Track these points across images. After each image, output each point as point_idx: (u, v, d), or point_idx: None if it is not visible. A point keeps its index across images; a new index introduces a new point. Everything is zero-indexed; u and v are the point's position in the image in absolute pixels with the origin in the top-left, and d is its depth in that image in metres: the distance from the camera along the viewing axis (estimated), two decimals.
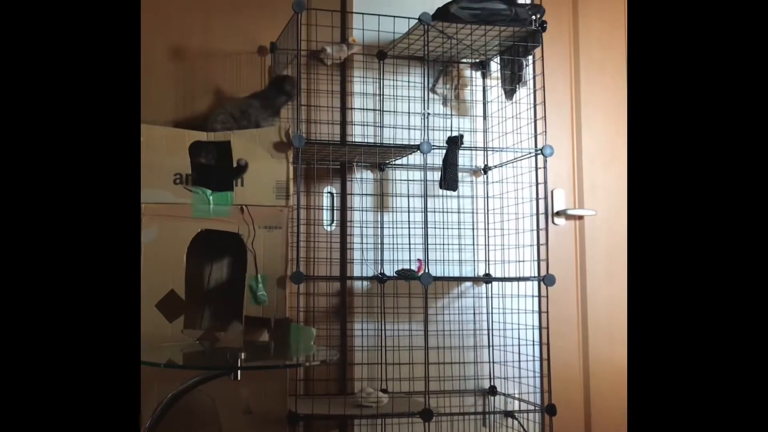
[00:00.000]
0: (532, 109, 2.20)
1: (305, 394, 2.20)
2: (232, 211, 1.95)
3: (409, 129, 2.36)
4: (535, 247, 2.17)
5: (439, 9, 2.07)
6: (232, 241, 1.96)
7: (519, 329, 2.36)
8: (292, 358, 1.95)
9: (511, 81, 2.32)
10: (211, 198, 1.93)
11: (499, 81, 2.41)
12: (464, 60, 2.45)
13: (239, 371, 1.61)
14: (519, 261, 2.36)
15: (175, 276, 1.89)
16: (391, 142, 2.31)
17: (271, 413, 1.91)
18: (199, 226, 1.92)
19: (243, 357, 1.65)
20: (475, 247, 2.42)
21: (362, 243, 2.31)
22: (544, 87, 2.18)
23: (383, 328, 2.30)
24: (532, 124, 2.21)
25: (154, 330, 1.86)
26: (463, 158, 2.39)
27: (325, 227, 2.31)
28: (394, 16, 2.21)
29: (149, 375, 1.80)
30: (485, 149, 2.42)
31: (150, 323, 1.86)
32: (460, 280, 2.36)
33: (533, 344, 2.37)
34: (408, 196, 2.36)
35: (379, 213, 2.34)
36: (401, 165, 2.36)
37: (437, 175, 2.19)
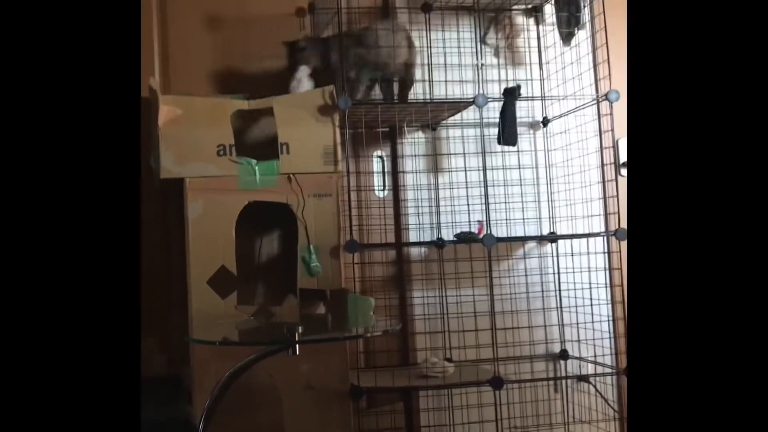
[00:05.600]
0: (592, 54, 2.05)
1: (366, 367, 2.13)
2: (279, 180, 1.86)
3: (461, 83, 2.22)
4: (603, 201, 2.03)
5: None
6: (281, 211, 1.88)
7: (590, 288, 2.23)
8: (351, 330, 1.88)
9: (568, 24, 2.16)
10: (256, 168, 1.85)
11: (555, 25, 2.25)
12: (516, 7, 2.29)
13: (297, 345, 1.54)
14: (586, 216, 2.22)
15: (225, 251, 1.83)
16: (444, 98, 2.18)
17: (332, 388, 1.85)
18: (246, 198, 1.85)
19: (300, 331, 1.58)
20: (538, 204, 2.29)
21: (418, 207, 2.21)
22: (605, 27, 2.01)
23: (444, 294, 2.20)
24: (593, 69, 2.05)
25: (207, 307, 1.80)
26: (521, 110, 2.25)
27: (376, 193, 2.22)
28: None
29: (204, 354, 1.75)
30: (543, 99, 2.27)
31: (202, 301, 1.80)
32: (524, 240, 2.24)
33: (606, 304, 2.24)
34: (464, 155, 2.23)
35: (433, 175, 2.23)
36: (454, 123, 2.24)
37: (493, 131, 2.06)
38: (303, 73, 1.99)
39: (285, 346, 1.56)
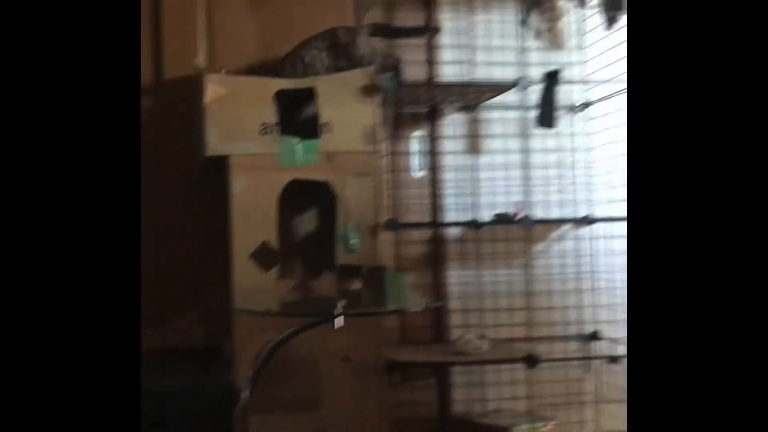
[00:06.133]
0: None
1: (402, 343, 2.18)
2: (321, 159, 1.90)
3: (501, 66, 2.23)
4: None
5: None
6: (321, 190, 1.92)
7: (625, 271, 2.24)
8: (388, 306, 1.93)
9: (612, 7, 2.14)
10: (298, 147, 1.89)
11: (598, 9, 2.24)
12: None
13: (339, 319, 1.59)
14: (623, 200, 2.22)
15: (267, 227, 1.88)
16: (486, 80, 2.18)
17: (369, 361, 1.90)
18: (288, 176, 1.89)
19: (342, 305, 1.63)
20: (575, 187, 2.29)
21: (456, 188, 2.23)
22: None
23: (480, 273, 2.23)
24: None
25: (249, 281, 1.86)
26: (561, 93, 2.24)
27: (415, 173, 2.25)
28: None
29: (246, 326, 1.81)
30: (584, 83, 2.27)
31: (245, 274, 1.86)
32: (562, 222, 2.25)
33: None
34: (502, 137, 2.25)
35: (471, 156, 2.25)
36: (494, 104, 2.24)
37: (533, 113, 2.07)
38: None
39: (328, 319, 1.62)
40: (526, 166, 1.98)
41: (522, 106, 1.92)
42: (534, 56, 2.26)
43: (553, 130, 2.17)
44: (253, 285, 1.85)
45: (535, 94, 2.04)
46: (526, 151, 2.00)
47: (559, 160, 2.28)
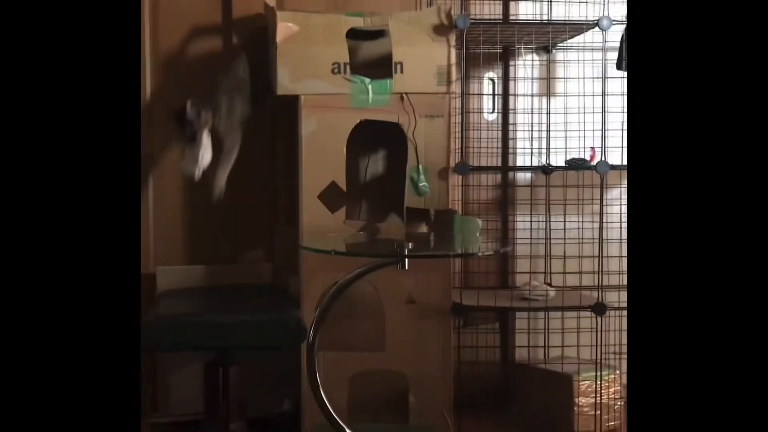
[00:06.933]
0: None
1: (466, 287, 2.17)
2: (392, 99, 1.87)
3: (579, 3, 2.13)
4: None
5: None
6: (392, 131, 1.90)
7: None
8: (456, 250, 1.91)
9: None
10: (369, 87, 1.86)
11: None
12: None
13: (407, 260, 1.59)
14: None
15: (335, 167, 1.87)
16: (566, 19, 2.09)
17: (434, 304, 1.90)
18: (358, 117, 1.87)
19: (410, 247, 1.62)
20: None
21: (530, 131, 2.18)
22: None
23: (549, 220, 2.19)
24: None
25: (317, 221, 1.86)
26: None
27: (486, 116, 2.20)
28: None
29: (313, 264, 1.83)
30: None
31: (313, 215, 1.87)
32: None
33: None
34: (579, 80, 2.17)
35: (546, 99, 2.18)
36: (571, 45, 2.16)
37: (612, 55, 1.98)
38: (207, 138, 1.84)
39: (395, 260, 1.62)
40: (602, 110, 1.90)
41: (604, 48, 1.83)
42: None
43: None
44: (321, 225, 1.86)
45: (616, 34, 1.95)
46: (603, 94, 1.92)
47: None
